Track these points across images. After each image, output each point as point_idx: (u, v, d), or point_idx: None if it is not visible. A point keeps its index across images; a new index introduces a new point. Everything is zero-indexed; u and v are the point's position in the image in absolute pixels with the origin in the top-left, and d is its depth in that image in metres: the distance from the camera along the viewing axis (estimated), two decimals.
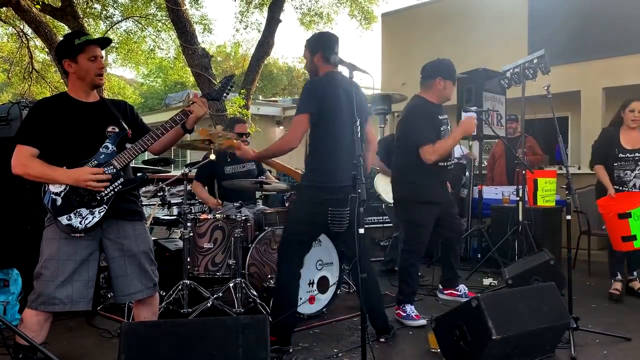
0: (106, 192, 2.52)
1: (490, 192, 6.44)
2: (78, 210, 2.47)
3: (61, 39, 2.79)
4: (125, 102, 2.87)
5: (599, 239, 6.84)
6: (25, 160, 2.47)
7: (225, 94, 2.84)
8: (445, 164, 3.95)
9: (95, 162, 2.53)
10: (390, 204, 5.36)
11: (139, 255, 2.64)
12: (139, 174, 2.76)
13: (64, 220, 2.46)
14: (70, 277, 2.47)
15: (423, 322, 3.75)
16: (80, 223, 2.47)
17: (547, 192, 5.62)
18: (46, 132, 2.50)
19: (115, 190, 2.55)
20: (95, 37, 2.68)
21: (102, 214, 2.51)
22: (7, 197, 3.65)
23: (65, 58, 2.58)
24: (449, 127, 3.99)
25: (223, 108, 8.86)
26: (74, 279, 2.48)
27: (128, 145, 2.63)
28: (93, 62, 2.58)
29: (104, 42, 2.77)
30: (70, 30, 11.52)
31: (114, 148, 2.59)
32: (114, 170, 2.55)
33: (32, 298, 2.49)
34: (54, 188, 2.48)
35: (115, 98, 2.93)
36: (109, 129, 2.61)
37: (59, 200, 2.47)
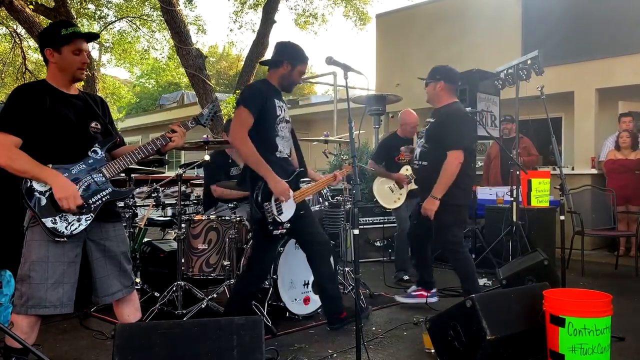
0: (94, 200, 2.48)
1: (485, 193, 6.46)
2: (64, 214, 2.41)
3: (47, 25, 2.71)
4: (101, 97, 2.81)
5: (592, 239, 6.89)
6: (9, 152, 2.36)
7: (212, 120, 2.89)
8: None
9: (84, 166, 2.49)
10: (387, 209, 5.42)
11: (119, 255, 2.63)
12: (127, 187, 2.74)
13: (48, 222, 2.38)
14: (61, 279, 2.44)
15: None
16: (66, 228, 2.41)
17: (540, 193, 5.65)
18: (30, 120, 2.40)
19: (103, 200, 2.51)
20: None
21: (88, 221, 2.46)
22: None
23: (48, 47, 2.48)
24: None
25: (218, 108, 8.85)
26: (64, 281, 2.45)
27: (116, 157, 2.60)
28: (77, 56, 2.50)
29: (91, 37, 2.69)
30: None
31: (103, 154, 2.55)
32: (103, 178, 2.52)
33: (20, 302, 2.42)
34: (38, 186, 2.39)
35: (91, 92, 2.87)
36: (92, 124, 2.58)
37: (44, 200, 2.39)
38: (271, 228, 3.20)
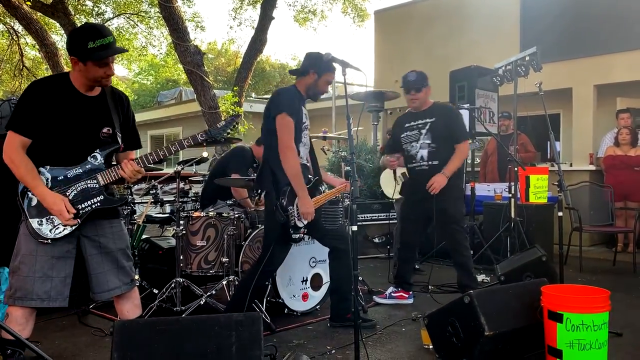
0: (83, 206, 2.48)
1: (483, 189, 6.47)
2: (51, 217, 2.43)
3: (78, 27, 2.59)
4: (125, 96, 2.74)
5: (590, 235, 6.90)
6: (14, 155, 2.39)
7: (228, 133, 2.79)
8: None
9: (81, 170, 2.49)
10: (392, 199, 5.48)
11: (115, 252, 2.62)
12: (120, 197, 2.72)
13: (34, 223, 2.43)
14: (49, 272, 2.45)
15: None
16: (50, 231, 2.44)
17: (539, 189, 5.64)
18: (40, 121, 2.41)
19: (93, 207, 2.50)
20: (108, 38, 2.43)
21: (74, 227, 2.47)
22: None
23: (74, 56, 2.43)
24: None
25: (216, 105, 8.84)
26: (53, 275, 2.46)
27: (114, 162, 2.59)
28: (102, 68, 2.43)
29: (120, 51, 2.54)
30: (61, 28, 11.46)
31: (102, 160, 2.53)
32: (97, 185, 2.51)
33: (9, 293, 2.46)
34: None
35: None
36: (104, 130, 2.54)
37: (34, 201, 2.44)
38: (291, 231, 3.29)
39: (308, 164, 3.53)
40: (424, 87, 4.19)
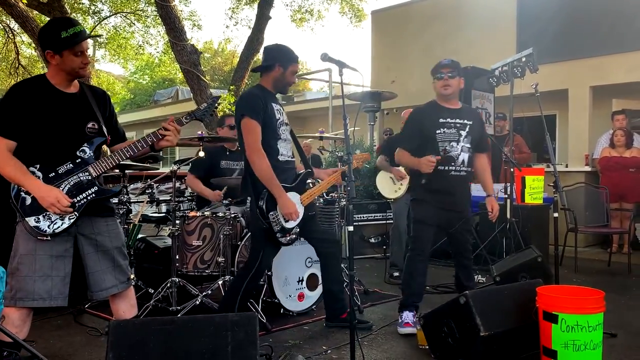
0: (78, 199, 2.49)
1: (479, 190, 6.46)
2: (47, 213, 2.42)
3: (46, 23, 2.68)
4: (104, 92, 2.77)
5: (585, 236, 6.92)
6: (1, 158, 2.40)
7: (211, 114, 2.82)
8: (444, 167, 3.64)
9: (72, 165, 2.49)
10: (389, 199, 5.48)
11: (112, 250, 2.63)
12: (113, 187, 2.74)
13: (31, 221, 2.42)
14: (49, 272, 2.45)
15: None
16: (48, 227, 2.43)
17: (534, 190, 5.67)
18: (24, 123, 2.42)
19: (88, 198, 2.51)
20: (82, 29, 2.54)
21: (72, 220, 2.47)
22: None
23: (49, 49, 2.46)
24: None
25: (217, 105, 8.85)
26: (52, 274, 2.46)
27: (108, 153, 2.60)
28: (78, 57, 2.48)
29: (92, 36, 2.68)
30: None
31: (92, 153, 2.55)
32: (90, 177, 2.52)
33: (9, 295, 2.45)
34: None
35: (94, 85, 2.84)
36: (89, 125, 2.56)
37: (28, 200, 2.43)
38: (279, 236, 3.22)
39: (291, 159, 3.46)
40: (457, 76, 3.73)
